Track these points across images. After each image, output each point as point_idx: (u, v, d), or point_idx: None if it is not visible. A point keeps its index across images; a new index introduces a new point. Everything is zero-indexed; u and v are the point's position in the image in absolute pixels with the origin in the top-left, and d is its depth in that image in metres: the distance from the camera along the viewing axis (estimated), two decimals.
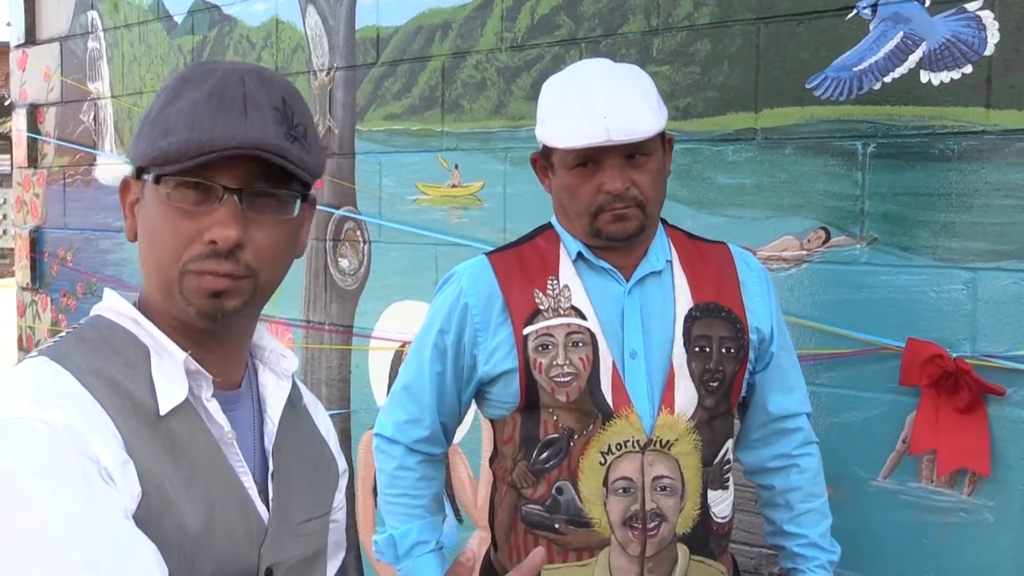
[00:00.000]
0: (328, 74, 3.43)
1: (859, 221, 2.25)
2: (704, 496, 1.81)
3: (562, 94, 1.80)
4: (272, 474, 1.19)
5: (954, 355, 2.10)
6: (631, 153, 1.73)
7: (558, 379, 1.76)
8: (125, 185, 1.18)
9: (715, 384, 1.80)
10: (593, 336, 1.77)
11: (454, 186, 3.06)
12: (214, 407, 1.14)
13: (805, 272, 2.33)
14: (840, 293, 2.29)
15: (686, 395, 1.78)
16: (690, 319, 1.80)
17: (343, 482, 1.37)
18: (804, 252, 2.33)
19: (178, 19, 4.03)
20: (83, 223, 4.57)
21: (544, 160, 1.84)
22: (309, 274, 3.50)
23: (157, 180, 1.09)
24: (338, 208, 3.40)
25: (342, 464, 1.37)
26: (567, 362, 1.76)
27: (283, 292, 3.73)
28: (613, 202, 1.73)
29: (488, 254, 1.90)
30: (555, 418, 1.78)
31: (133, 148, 1.14)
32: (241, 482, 1.14)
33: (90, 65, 4.51)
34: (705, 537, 1.82)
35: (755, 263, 1.94)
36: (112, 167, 4.39)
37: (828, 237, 2.30)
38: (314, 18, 3.47)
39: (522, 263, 1.85)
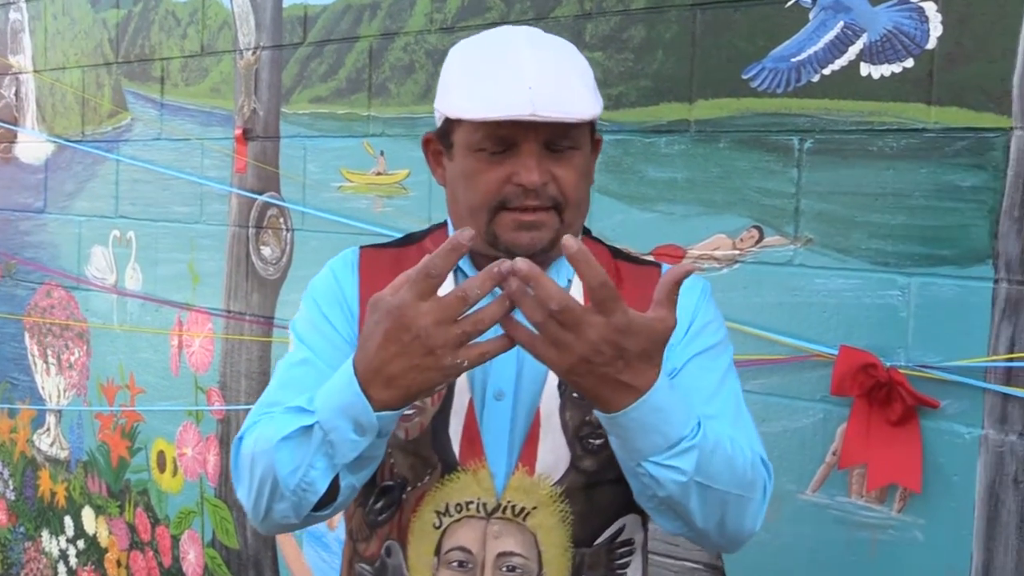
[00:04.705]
0: (254, 53, 3.27)
1: (794, 220, 2.14)
2: None
3: (477, 55, 1.39)
4: None
5: (888, 364, 1.99)
6: (555, 141, 1.33)
7: None
8: None
9: (598, 442, 1.38)
10: None
11: (379, 173, 2.92)
12: None
13: (737, 273, 2.22)
14: (772, 296, 2.17)
15: (553, 452, 1.38)
16: None
17: None
18: (736, 252, 2.22)
19: None
20: (3, 203, 4.37)
21: (441, 142, 1.43)
22: (230, 261, 3.34)
23: None
24: (261, 193, 3.24)
25: None
26: None
27: (203, 280, 3.58)
28: (523, 198, 1.33)
29: (363, 247, 1.55)
30: (392, 460, 1.41)
31: None
32: None
33: (11, 38, 4.31)
34: None
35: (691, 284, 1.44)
36: (33, 145, 4.19)
37: (761, 236, 2.19)
38: None
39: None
